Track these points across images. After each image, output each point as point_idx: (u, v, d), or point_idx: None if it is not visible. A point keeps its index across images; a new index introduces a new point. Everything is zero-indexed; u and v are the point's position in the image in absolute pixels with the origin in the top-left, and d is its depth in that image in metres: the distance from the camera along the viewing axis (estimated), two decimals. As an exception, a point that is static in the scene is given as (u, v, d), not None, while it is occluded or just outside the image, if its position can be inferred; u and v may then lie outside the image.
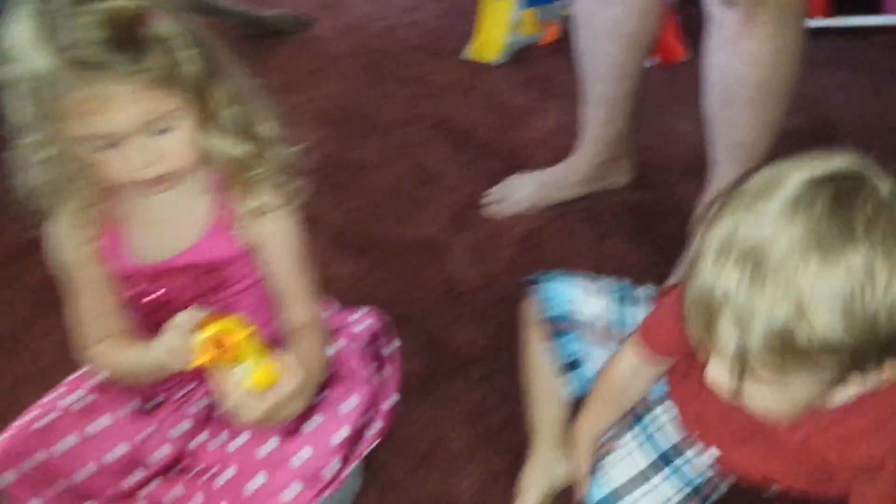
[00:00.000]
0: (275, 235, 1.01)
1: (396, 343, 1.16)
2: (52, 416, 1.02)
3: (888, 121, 1.64)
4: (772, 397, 0.71)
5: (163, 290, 1.02)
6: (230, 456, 0.99)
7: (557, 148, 1.58)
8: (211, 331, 0.84)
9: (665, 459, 0.98)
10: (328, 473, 0.99)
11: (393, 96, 1.86)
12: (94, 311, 1.02)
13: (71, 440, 1.01)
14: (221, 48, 0.93)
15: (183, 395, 1.07)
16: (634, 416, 1.02)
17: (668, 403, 0.99)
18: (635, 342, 0.94)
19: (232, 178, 0.97)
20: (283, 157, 1.00)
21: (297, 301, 1.04)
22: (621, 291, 1.06)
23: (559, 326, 1.05)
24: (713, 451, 0.94)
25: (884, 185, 0.65)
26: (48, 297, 1.34)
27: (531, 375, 1.09)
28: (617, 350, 0.98)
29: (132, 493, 1.03)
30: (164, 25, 0.85)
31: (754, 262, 0.65)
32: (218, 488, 0.97)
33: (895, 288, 0.63)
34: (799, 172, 0.66)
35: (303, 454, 0.98)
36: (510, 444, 1.10)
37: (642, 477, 0.97)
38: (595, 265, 1.34)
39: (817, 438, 0.80)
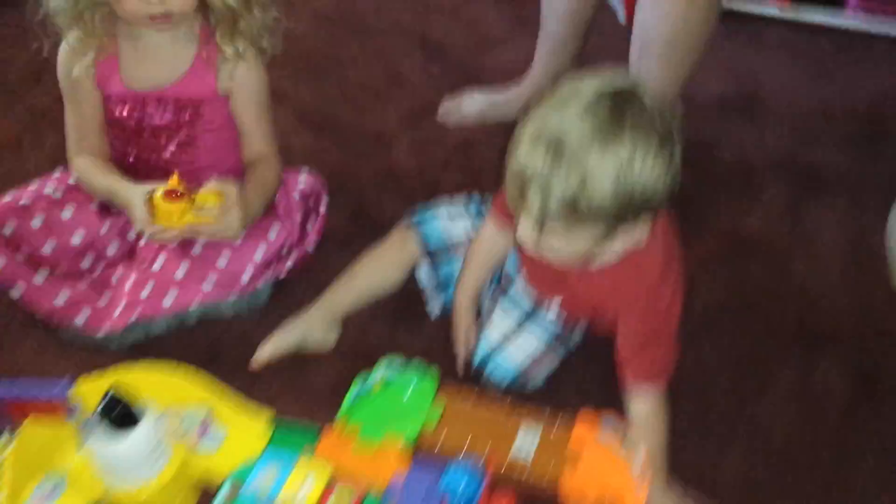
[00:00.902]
0: (247, 82, 1.25)
1: (325, 200, 1.39)
2: (31, 198, 1.26)
3: (812, 107, 1.83)
4: (562, 248, 0.97)
5: (145, 114, 1.24)
6: (167, 251, 1.22)
7: (517, 76, 1.78)
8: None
9: (527, 317, 1.23)
10: (244, 279, 1.23)
11: (383, 7, 2.05)
12: (83, 126, 1.26)
13: (40, 218, 1.24)
14: None
15: None
16: (501, 291, 1.26)
17: (520, 279, 1.23)
18: (489, 216, 1.20)
19: (220, 25, 1.19)
20: (267, 17, 1.22)
21: (258, 139, 1.30)
22: (477, 206, 1.31)
23: (437, 257, 1.28)
24: (555, 304, 1.18)
25: (647, 99, 0.90)
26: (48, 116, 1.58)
27: (366, 264, 1.29)
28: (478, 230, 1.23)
29: (82, 273, 1.27)
30: None
31: (555, 148, 0.89)
32: (150, 272, 1.21)
33: (647, 172, 0.88)
34: (591, 85, 0.91)
35: (224, 258, 1.22)
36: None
37: (512, 334, 1.22)
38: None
39: (592, 287, 1.08)
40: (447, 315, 1.28)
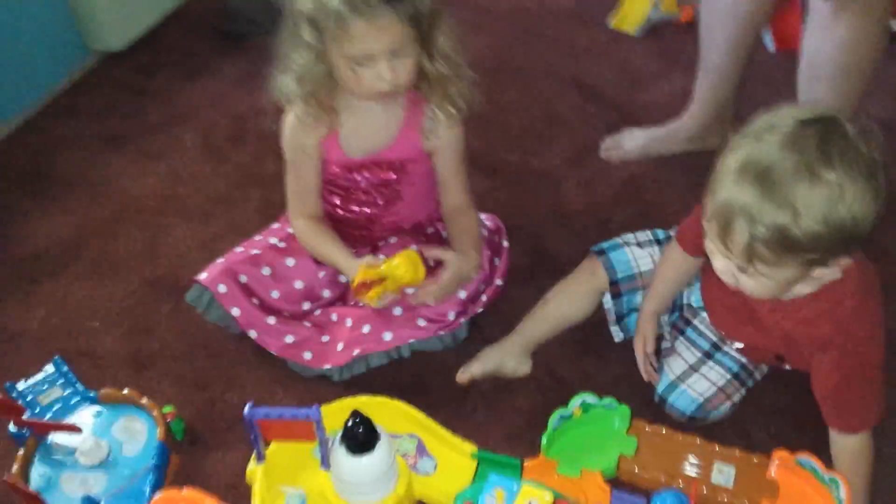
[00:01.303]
0: (449, 140, 1.38)
1: (506, 242, 1.49)
2: (261, 248, 1.42)
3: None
4: (763, 283, 1.00)
5: (360, 176, 1.39)
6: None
7: (672, 111, 1.83)
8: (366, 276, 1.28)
9: (708, 354, 1.28)
10: (451, 316, 1.34)
11: (538, 53, 2.15)
12: (304, 191, 1.41)
13: (269, 268, 1.41)
14: None
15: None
16: (680, 329, 1.32)
17: (704, 314, 1.28)
18: (674, 242, 1.26)
19: (435, 92, 1.33)
20: (467, 80, 1.34)
21: (458, 190, 1.43)
22: (665, 234, 1.36)
23: (624, 287, 1.34)
24: (738, 343, 1.23)
25: (851, 127, 0.93)
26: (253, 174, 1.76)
27: (558, 297, 1.36)
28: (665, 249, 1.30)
29: (304, 315, 1.42)
30: None
31: (763, 180, 0.93)
32: (368, 313, 1.34)
33: (857, 200, 0.91)
34: (790, 114, 0.95)
35: (435, 300, 1.34)
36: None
37: (692, 369, 1.27)
38: (682, 208, 1.62)
39: (786, 321, 1.09)
40: (629, 339, 1.34)
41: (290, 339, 1.37)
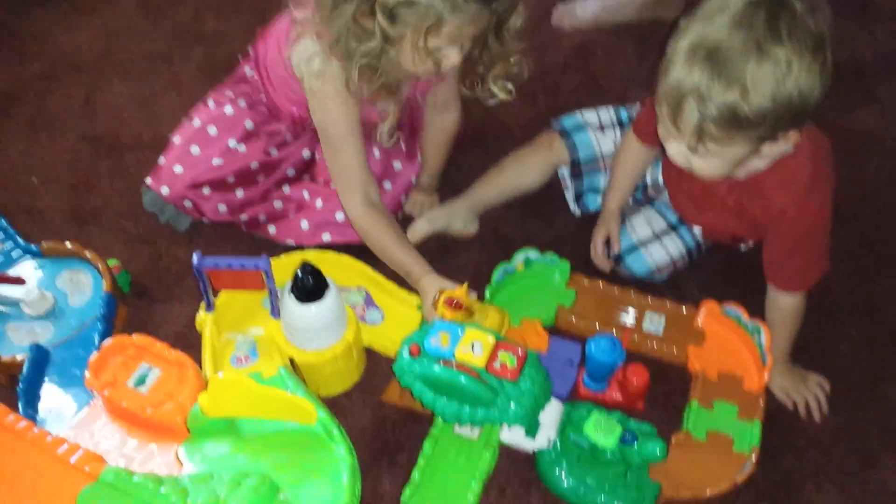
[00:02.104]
0: None
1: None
2: (221, 158, 1.34)
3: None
4: (713, 163, 1.02)
5: None
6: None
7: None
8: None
9: (672, 227, 1.33)
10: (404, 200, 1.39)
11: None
12: (361, 165, 1.26)
13: (232, 177, 1.34)
14: None
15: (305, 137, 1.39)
16: (649, 199, 1.36)
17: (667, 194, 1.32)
18: (630, 133, 1.27)
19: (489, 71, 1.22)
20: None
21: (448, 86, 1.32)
22: (624, 116, 1.37)
23: (585, 168, 1.36)
24: (698, 227, 1.28)
25: (799, 4, 0.93)
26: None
27: (514, 166, 1.38)
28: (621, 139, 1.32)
29: (271, 192, 1.38)
30: None
31: (712, 59, 0.93)
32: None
33: (804, 76, 0.92)
34: None
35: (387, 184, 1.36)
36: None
37: (655, 236, 1.31)
38: (632, 78, 1.64)
39: (744, 197, 1.12)
40: (586, 214, 1.39)
41: (262, 217, 1.37)
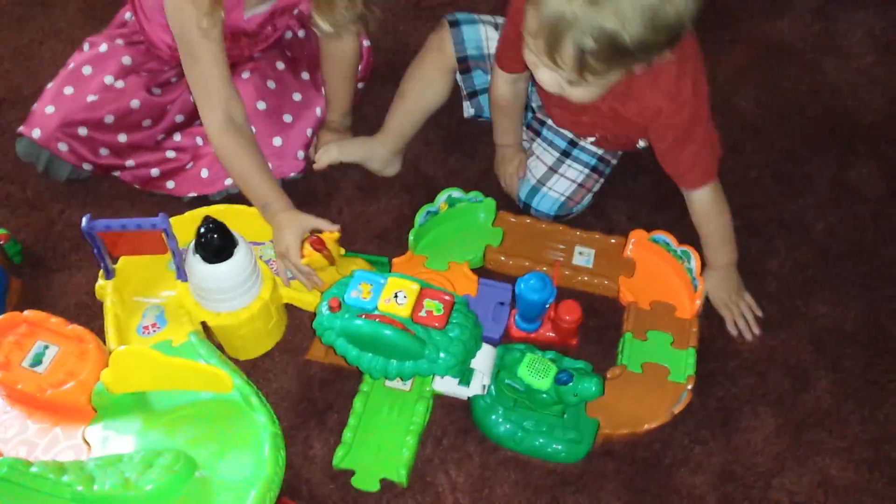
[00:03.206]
0: None
1: (367, 41, 1.40)
2: (95, 94, 1.24)
3: None
4: (589, 90, 0.99)
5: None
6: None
7: None
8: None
9: (565, 153, 1.27)
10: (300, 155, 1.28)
11: None
12: (219, 79, 1.12)
13: (110, 117, 1.24)
14: None
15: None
16: (536, 131, 1.30)
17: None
18: (496, 69, 1.20)
19: None
20: None
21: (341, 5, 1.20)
22: None
23: (472, 63, 1.28)
24: (591, 137, 1.22)
25: None
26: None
27: (412, 85, 1.30)
28: (491, 74, 1.24)
29: (162, 143, 1.28)
30: None
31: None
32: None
33: (680, 6, 0.89)
34: None
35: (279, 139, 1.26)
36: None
37: (552, 170, 1.26)
38: None
39: (616, 103, 1.08)
40: (480, 117, 1.33)
41: (155, 172, 1.26)
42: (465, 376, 1.06)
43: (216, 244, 1.00)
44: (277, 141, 1.26)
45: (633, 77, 1.01)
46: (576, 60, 0.91)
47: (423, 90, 1.30)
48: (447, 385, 1.07)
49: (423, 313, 0.95)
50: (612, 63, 0.93)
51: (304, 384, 1.10)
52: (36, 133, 1.22)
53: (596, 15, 0.88)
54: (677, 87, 1.04)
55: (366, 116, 1.38)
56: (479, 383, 1.06)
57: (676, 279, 1.18)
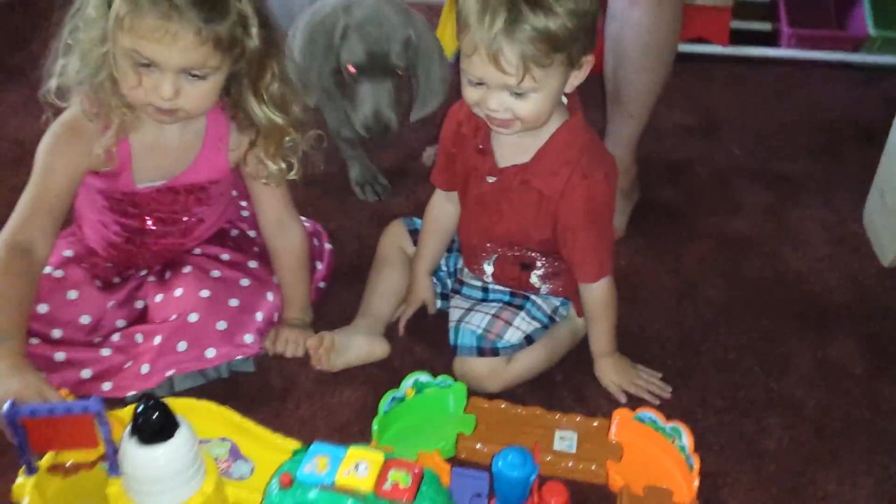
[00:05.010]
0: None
1: (328, 244, 1.41)
2: None
3: (771, 125, 1.93)
4: (536, 101, 1.04)
5: (154, 200, 1.21)
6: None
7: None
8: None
9: (481, 299, 1.28)
10: (248, 340, 1.22)
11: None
12: (41, 202, 1.13)
13: (45, 307, 1.19)
14: (277, 33, 1.15)
15: (136, 280, 1.28)
16: (455, 291, 1.32)
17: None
18: (435, 192, 1.29)
19: (266, 140, 1.18)
20: (305, 136, 1.21)
21: (275, 201, 1.26)
22: None
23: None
24: (488, 269, 1.26)
25: None
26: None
27: (378, 271, 1.34)
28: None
29: (99, 344, 1.21)
30: (246, 4, 1.06)
31: (508, 7, 0.97)
32: (178, 324, 1.18)
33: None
34: None
35: (223, 324, 1.21)
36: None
37: (469, 310, 1.24)
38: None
39: (536, 179, 1.13)
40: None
41: (86, 373, 1.17)
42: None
43: (154, 424, 0.89)
44: (221, 325, 1.19)
45: (547, 151, 1.11)
46: (519, 59, 0.99)
47: (389, 275, 1.32)
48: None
49: (387, 486, 0.83)
50: (550, 54, 0.99)
51: None
52: None
53: (529, 15, 0.98)
54: (592, 171, 1.12)
55: (328, 314, 1.33)
56: (456, 584, 0.91)
57: (668, 461, 1.07)
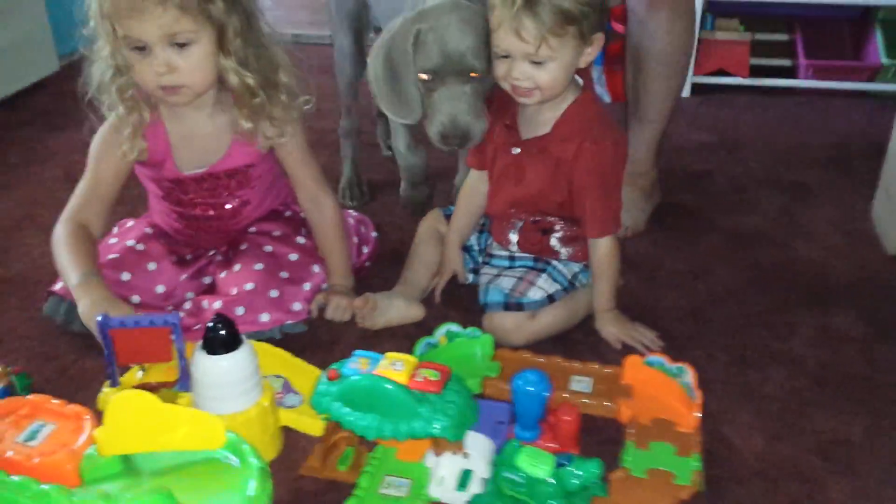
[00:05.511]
0: (287, 135, 1.35)
1: (374, 232, 1.59)
2: (117, 253, 1.40)
3: (787, 144, 2.07)
4: (553, 69, 1.21)
5: (200, 187, 1.38)
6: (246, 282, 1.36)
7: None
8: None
9: (508, 267, 1.40)
10: (296, 308, 1.38)
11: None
12: (94, 192, 1.34)
13: (127, 275, 1.38)
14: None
15: (206, 259, 1.46)
16: (485, 263, 1.45)
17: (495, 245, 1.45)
18: (469, 162, 1.44)
19: (239, 102, 1.29)
20: (292, 98, 1.33)
21: (308, 179, 1.42)
22: None
23: None
24: (513, 237, 1.40)
25: None
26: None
27: (418, 248, 1.49)
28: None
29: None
30: None
31: None
32: (239, 292, 1.35)
33: None
34: None
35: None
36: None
37: (498, 275, 1.38)
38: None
39: (552, 146, 1.30)
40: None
41: None
42: (462, 479, 1.02)
43: (223, 337, 1.05)
44: (274, 293, 1.35)
45: (564, 119, 1.28)
46: (537, 31, 1.16)
47: (430, 252, 1.48)
48: (444, 491, 1.03)
49: (419, 379, 0.96)
50: (565, 27, 1.17)
51: (294, 496, 1.06)
52: (58, 285, 1.33)
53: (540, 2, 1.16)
54: (601, 138, 1.28)
55: (374, 287, 1.47)
56: (476, 486, 1.02)
57: (673, 399, 1.17)
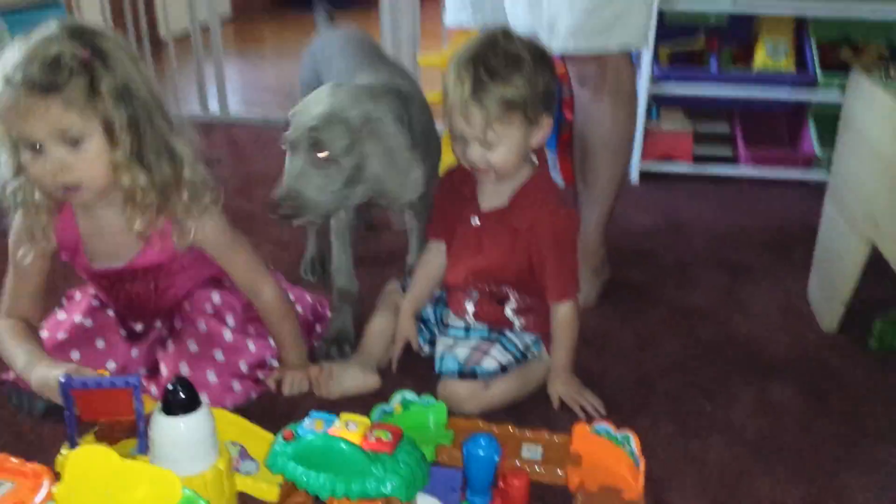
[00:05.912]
0: (207, 230, 1.31)
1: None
2: (66, 332, 1.41)
3: (728, 227, 2.19)
4: (504, 150, 1.30)
5: (117, 280, 1.37)
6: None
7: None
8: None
9: (461, 338, 1.46)
10: (237, 389, 1.40)
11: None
12: (20, 289, 1.34)
13: (76, 353, 1.39)
14: (150, 95, 1.21)
15: (156, 331, 1.46)
16: (442, 333, 1.51)
17: (451, 316, 1.51)
18: (430, 242, 1.51)
19: (130, 202, 1.24)
20: (197, 196, 1.27)
21: (242, 270, 1.39)
22: None
23: None
24: (469, 308, 1.46)
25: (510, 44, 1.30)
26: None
27: (376, 318, 1.53)
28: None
29: None
30: (102, 72, 1.14)
31: (473, 76, 1.26)
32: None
33: (542, 74, 1.29)
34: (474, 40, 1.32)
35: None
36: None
37: (453, 346, 1.43)
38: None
39: (512, 218, 1.38)
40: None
41: None
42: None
43: (182, 399, 1.07)
44: (211, 376, 1.37)
45: (520, 198, 1.37)
46: (483, 119, 1.26)
47: (385, 319, 1.52)
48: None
49: (372, 439, 1.00)
50: (510, 115, 1.26)
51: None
52: (10, 374, 1.33)
53: (491, 86, 1.25)
54: (555, 210, 1.38)
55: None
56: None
57: (620, 465, 1.22)
